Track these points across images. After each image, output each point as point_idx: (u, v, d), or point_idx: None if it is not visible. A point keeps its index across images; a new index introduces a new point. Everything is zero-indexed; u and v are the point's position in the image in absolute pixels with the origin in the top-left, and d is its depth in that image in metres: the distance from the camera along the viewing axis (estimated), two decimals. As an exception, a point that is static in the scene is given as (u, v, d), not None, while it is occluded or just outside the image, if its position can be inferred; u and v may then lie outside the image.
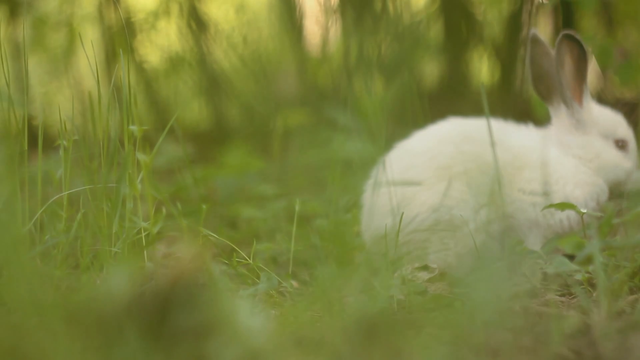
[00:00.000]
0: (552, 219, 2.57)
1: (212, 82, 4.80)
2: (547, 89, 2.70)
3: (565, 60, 2.62)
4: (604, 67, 4.11)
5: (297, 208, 2.58)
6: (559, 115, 2.69)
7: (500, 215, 2.49)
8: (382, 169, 2.51)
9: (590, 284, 2.22)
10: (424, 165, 2.54)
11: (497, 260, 2.29)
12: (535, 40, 2.70)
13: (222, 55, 4.73)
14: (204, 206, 2.49)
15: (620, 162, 2.66)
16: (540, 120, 2.77)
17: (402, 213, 2.42)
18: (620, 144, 2.68)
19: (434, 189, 2.50)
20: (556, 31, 4.59)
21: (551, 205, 2.47)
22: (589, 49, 2.64)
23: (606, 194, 2.64)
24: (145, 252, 2.26)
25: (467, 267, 2.47)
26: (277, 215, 3.11)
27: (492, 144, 2.37)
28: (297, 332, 1.74)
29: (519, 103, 2.63)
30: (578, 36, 2.61)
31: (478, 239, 2.46)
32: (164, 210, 2.40)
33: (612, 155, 2.66)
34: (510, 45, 4.54)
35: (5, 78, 2.27)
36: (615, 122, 2.70)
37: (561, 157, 2.62)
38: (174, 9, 4.92)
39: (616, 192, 2.68)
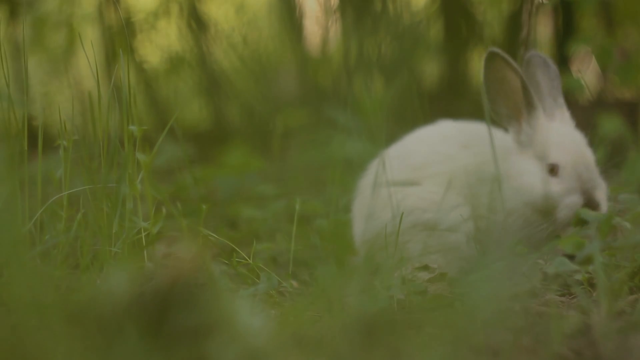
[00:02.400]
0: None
1: (212, 82, 4.80)
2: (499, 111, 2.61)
3: (499, 79, 2.52)
4: (604, 67, 4.12)
5: (297, 208, 2.59)
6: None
7: (476, 215, 2.49)
8: (368, 173, 2.54)
9: (590, 284, 2.22)
10: (398, 166, 2.55)
11: (496, 261, 2.29)
12: (494, 57, 2.53)
13: (222, 55, 4.73)
14: (204, 206, 2.49)
15: (535, 185, 2.53)
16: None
17: (402, 214, 2.43)
18: (551, 168, 2.54)
19: (407, 191, 2.52)
20: (556, 31, 4.60)
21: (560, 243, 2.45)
22: (519, 68, 2.52)
23: (522, 218, 2.54)
24: (145, 252, 2.26)
25: (456, 267, 2.47)
26: (277, 215, 3.11)
27: (493, 146, 2.37)
28: (297, 332, 1.74)
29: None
30: (505, 55, 2.51)
31: (457, 241, 2.47)
32: (164, 210, 2.40)
33: (535, 178, 2.54)
34: (510, 45, 4.54)
35: (5, 78, 2.27)
36: (552, 145, 2.56)
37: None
38: (174, 9, 4.92)
39: (548, 218, 2.54)
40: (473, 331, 1.71)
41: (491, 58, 2.51)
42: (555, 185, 2.53)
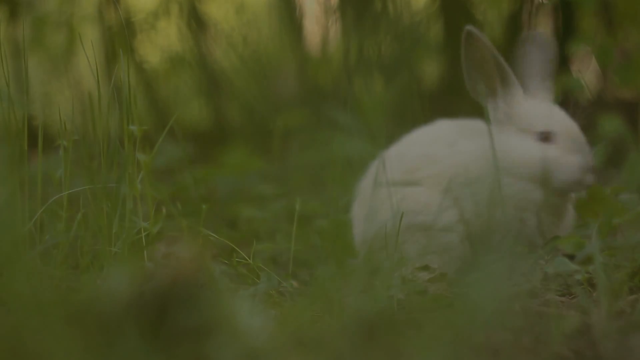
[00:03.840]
0: None
1: (212, 82, 4.80)
2: (477, 86, 2.59)
3: (472, 57, 2.52)
4: (604, 67, 4.12)
5: (297, 208, 2.59)
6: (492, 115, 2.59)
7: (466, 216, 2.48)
8: (367, 174, 2.53)
9: (590, 284, 2.22)
10: (394, 168, 2.53)
11: (496, 261, 2.29)
12: (470, 35, 2.53)
13: (222, 55, 4.73)
14: (204, 206, 2.49)
15: (531, 153, 2.48)
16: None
17: (401, 215, 2.42)
18: (544, 136, 2.50)
19: (403, 193, 2.50)
20: (556, 31, 4.60)
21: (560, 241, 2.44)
22: (491, 45, 2.52)
23: (537, 197, 2.48)
24: (145, 252, 2.26)
25: (453, 268, 2.46)
26: (277, 215, 3.11)
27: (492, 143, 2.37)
28: (297, 332, 1.74)
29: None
30: (479, 32, 2.50)
31: (451, 241, 2.46)
32: (164, 210, 2.40)
33: (524, 149, 2.49)
34: (510, 45, 4.53)
35: (5, 78, 2.27)
36: (537, 114, 2.52)
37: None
38: (174, 9, 4.92)
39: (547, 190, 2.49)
40: (473, 331, 1.71)
41: (468, 36, 2.50)
42: (553, 151, 2.48)
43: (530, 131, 2.49)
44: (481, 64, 2.53)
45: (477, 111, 2.53)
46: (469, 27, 2.51)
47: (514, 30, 4.58)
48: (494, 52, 2.51)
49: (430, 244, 2.48)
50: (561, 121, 2.51)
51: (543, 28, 4.62)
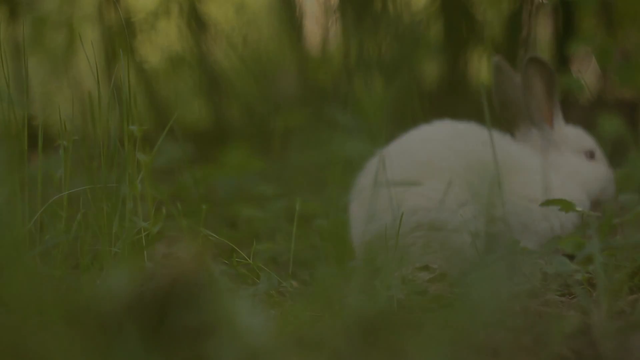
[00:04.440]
0: (540, 226, 2.55)
1: (212, 82, 4.80)
2: (514, 116, 2.71)
3: (534, 83, 2.63)
4: (604, 67, 4.12)
5: (297, 208, 2.58)
6: (529, 139, 2.69)
7: (492, 216, 2.47)
8: (365, 175, 2.52)
9: (590, 284, 2.22)
10: (398, 166, 2.47)
11: (496, 261, 2.29)
12: (499, 67, 2.69)
13: (222, 55, 4.73)
14: (204, 206, 2.49)
15: (599, 171, 2.69)
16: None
17: (403, 214, 2.40)
18: (590, 154, 2.70)
19: (414, 190, 2.45)
20: (556, 31, 4.60)
21: (551, 203, 2.45)
22: (554, 70, 2.65)
23: (588, 208, 2.63)
24: (145, 252, 2.26)
25: (457, 268, 2.44)
26: (277, 215, 3.11)
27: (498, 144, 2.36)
28: (297, 332, 1.74)
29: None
30: (544, 58, 2.64)
31: (463, 240, 2.44)
32: (164, 210, 2.40)
33: (589, 167, 2.68)
34: (510, 45, 4.54)
35: (5, 78, 2.27)
36: (579, 135, 2.73)
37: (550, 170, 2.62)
38: (174, 9, 4.92)
39: (598, 202, 2.70)
40: (473, 331, 1.71)
41: (531, 63, 2.62)
42: (603, 168, 2.71)
43: (579, 151, 2.69)
44: (540, 89, 2.65)
45: (477, 111, 2.53)
46: (534, 54, 2.66)
47: (514, 30, 4.58)
48: (556, 79, 2.65)
49: (441, 244, 2.45)
50: (592, 139, 2.74)
51: (543, 28, 4.62)
